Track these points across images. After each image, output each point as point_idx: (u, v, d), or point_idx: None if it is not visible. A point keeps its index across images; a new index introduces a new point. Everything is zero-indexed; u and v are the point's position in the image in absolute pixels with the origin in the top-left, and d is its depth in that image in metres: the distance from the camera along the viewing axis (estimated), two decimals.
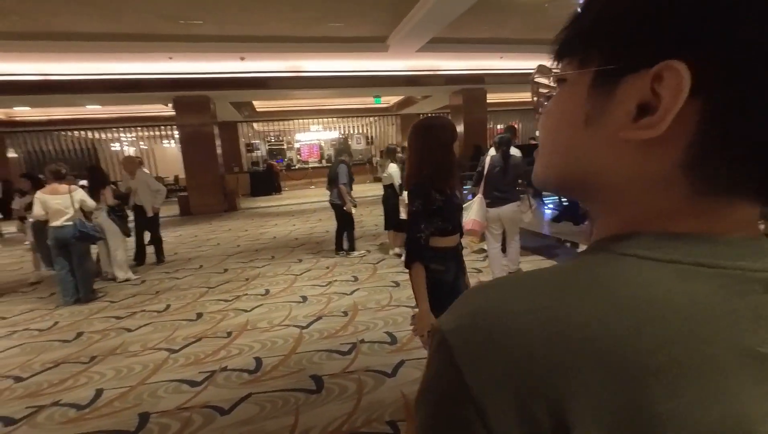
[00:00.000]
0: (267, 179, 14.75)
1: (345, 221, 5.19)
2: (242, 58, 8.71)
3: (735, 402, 0.23)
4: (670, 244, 0.27)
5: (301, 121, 17.16)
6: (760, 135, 0.25)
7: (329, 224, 8.11)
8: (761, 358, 0.23)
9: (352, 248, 5.36)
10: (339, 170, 4.89)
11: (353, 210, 5.03)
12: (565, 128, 0.32)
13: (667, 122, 0.26)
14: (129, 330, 3.44)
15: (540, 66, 0.36)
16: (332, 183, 5.02)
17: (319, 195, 12.42)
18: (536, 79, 0.37)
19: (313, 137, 18.49)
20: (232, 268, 5.20)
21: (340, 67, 9.84)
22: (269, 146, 19.40)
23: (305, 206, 10.96)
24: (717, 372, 0.23)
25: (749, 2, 0.23)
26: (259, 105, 14.03)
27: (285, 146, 19.74)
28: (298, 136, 18.40)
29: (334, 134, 17.76)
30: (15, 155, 14.20)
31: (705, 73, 0.24)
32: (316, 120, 17.37)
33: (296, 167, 18.26)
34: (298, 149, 19.70)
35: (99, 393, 2.50)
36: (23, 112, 12.45)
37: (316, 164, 17.80)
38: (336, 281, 4.37)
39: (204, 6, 6.12)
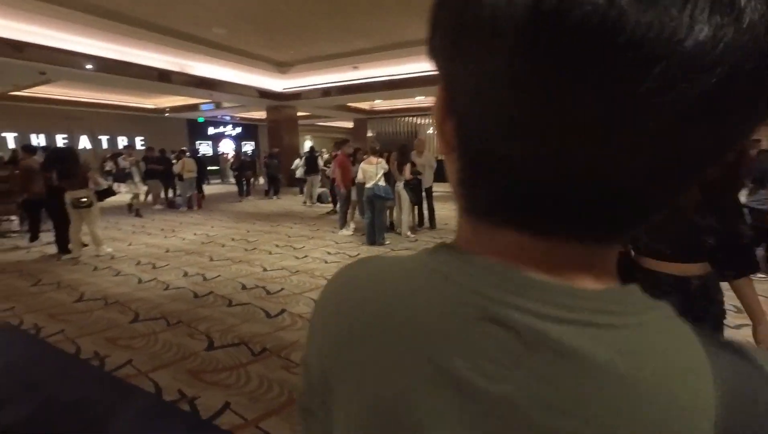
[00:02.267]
0: None
1: None
2: None
3: (402, 393, 0.25)
4: (442, 256, 0.28)
5: None
6: (484, 159, 0.24)
7: None
8: (442, 371, 0.24)
9: None
10: None
11: None
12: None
13: (440, 137, 0.27)
14: None
15: None
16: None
17: None
18: None
19: None
20: None
21: None
22: None
23: None
24: (394, 363, 0.26)
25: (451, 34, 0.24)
26: None
27: None
28: None
29: None
30: (371, 134, 20.06)
31: (450, 94, 0.25)
32: None
33: None
34: None
35: None
36: (378, 104, 17.24)
37: None
38: None
39: None
